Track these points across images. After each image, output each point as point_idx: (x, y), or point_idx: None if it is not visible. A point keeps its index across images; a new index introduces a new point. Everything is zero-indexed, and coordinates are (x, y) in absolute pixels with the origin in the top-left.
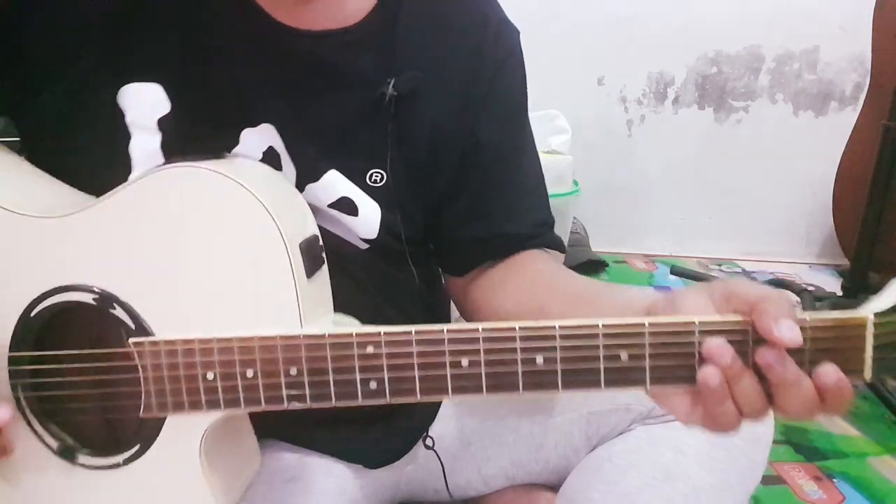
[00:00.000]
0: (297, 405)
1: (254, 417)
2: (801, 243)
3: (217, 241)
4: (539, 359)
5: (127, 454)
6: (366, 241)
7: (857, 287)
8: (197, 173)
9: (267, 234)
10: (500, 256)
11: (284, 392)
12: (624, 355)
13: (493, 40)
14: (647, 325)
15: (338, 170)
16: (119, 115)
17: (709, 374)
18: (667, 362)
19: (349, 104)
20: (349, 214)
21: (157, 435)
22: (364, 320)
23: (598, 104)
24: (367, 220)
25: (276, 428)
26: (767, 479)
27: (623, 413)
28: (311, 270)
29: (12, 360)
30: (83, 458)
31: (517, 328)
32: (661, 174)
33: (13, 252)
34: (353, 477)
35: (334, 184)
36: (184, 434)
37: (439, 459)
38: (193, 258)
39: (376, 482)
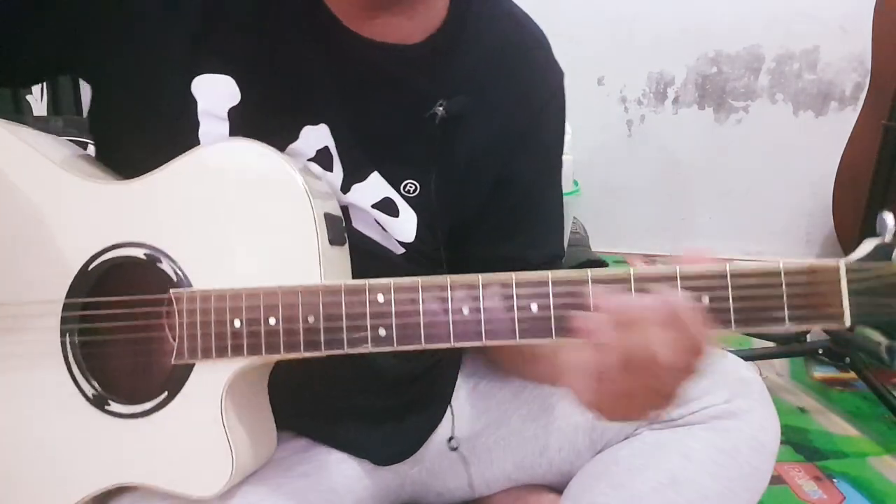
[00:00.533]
0: (311, 353)
1: (272, 406)
2: (801, 243)
3: (254, 207)
4: (534, 306)
5: (154, 402)
6: (403, 244)
7: None
8: (243, 145)
9: (297, 201)
10: None
11: (302, 338)
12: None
13: (539, 81)
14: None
15: (379, 172)
16: (192, 102)
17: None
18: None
19: (399, 116)
20: (391, 215)
21: (184, 384)
22: None
23: (598, 104)
24: (407, 223)
25: (291, 420)
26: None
27: None
28: (333, 240)
29: (66, 307)
30: (114, 406)
31: (513, 278)
32: (661, 174)
33: (77, 213)
34: (360, 477)
35: (378, 184)
36: (209, 383)
37: (464, 460)
38: (233, 221)
39: (382, 483)
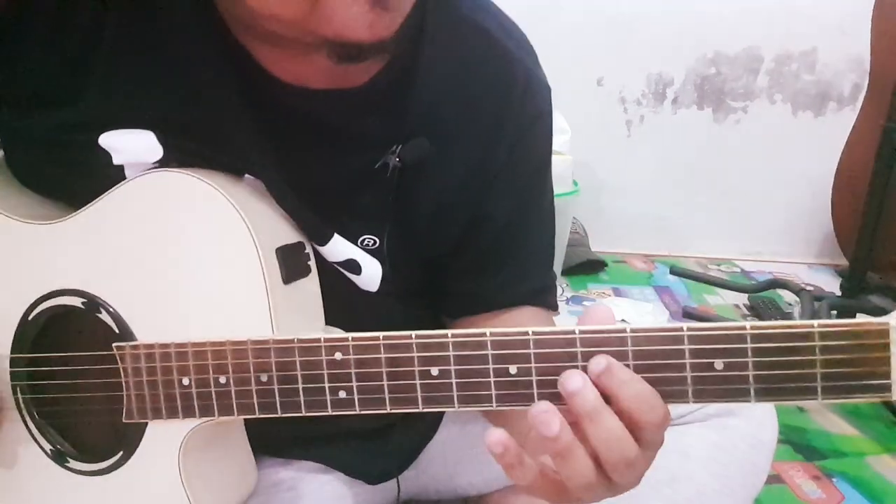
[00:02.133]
0: (266, 414)
1: (250, 433)
2: (801, 243)
3: (194, 246)
4: (513, 369)
5: (111, 461)
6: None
7: (857, 287)
8: (176, 178)
9: (239, 237)
10: (492, 310)
11: (256, 400)
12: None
13: (518, 106)
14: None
15: (338, 233)
16: (106, 155)
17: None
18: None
19: (349, 168)
20: (353, 273)
21: (140, 441)
22: None
23: (597, 104)
24: (369, 277)
25: (275, 444)
26: (766, 479)
27: None
28: (289, 276)
29: (13, 362)
30: (73, 464)
31: (488, 334)
32: (660, 174)
33: (14, 256)
34: (349, 487)
35: (340, 247)
36: (164, 441)
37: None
38: (173, 263)
39: (374, 492)
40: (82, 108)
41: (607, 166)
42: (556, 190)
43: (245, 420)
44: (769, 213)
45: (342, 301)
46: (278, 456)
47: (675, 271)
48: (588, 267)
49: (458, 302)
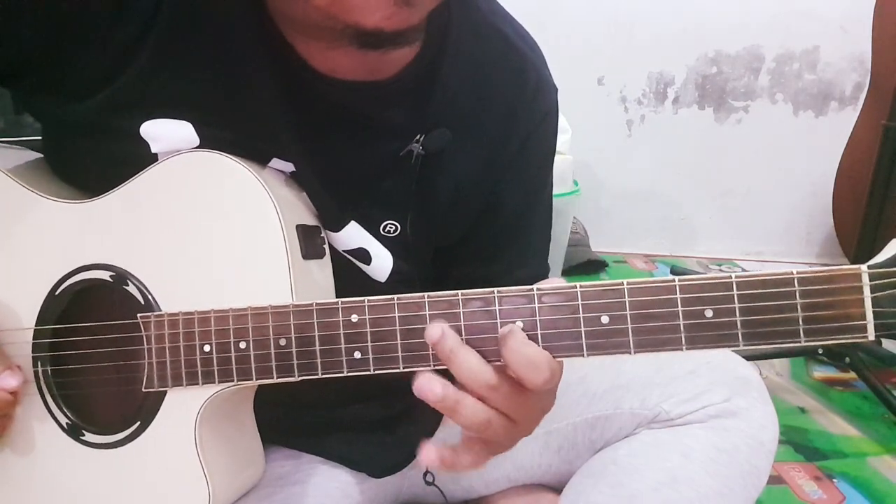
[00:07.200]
0: (284, 377)
1: (259, 423)
2: (801, 243)
3: (220, 219)
4: (519, 324)
5: (127, 432)
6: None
7: None
8: (205, 156)
9: (264, 211)
10: None
11: (274, 363)
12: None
13: (529, 103)
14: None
15: (356, 220)
16: (144, 144)
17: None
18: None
19: (375, 156)
20: (362, 262)
21: (157, 412)
22: None
23: (598, 104)
24: (379, 268)
25: (281, 434)
26: (767, 479)
27: (628, 417)
28: (307, 253)
29: (36, 334)
30: (88, 436)
31: (496, 292)
32: (661, 174)
33: (44, 233)
34: (356, 482)
35: (353, 235)
36: (181, 411)
37: (443, 495)
38: (198, 237)
39: (380, 486)
40: (128, 94)
41: (608, 166)
42: (556, 190)
43: (255, 407)
44: (770, 213)
45: (351, 290)
46: (285, 445)
47: (675, 271)
48: (589, 267)
49: (460, 286)
